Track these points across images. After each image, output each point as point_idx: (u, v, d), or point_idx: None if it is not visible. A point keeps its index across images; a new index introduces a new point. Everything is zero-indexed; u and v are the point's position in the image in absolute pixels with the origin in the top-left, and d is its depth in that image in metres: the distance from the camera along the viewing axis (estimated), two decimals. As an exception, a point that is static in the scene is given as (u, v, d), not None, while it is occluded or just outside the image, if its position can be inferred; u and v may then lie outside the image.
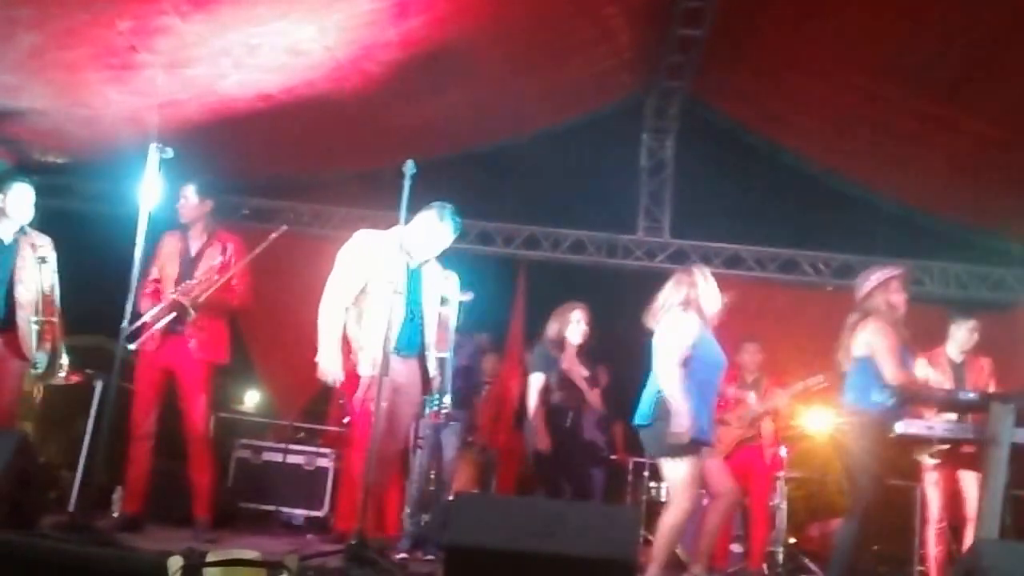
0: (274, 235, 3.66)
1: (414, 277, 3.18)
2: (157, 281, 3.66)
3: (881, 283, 3.39)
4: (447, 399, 3.45)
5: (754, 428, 4.54)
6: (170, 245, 3.71)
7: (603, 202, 6.67)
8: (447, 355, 3.50)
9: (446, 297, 3.55)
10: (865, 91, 5.43)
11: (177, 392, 3.64)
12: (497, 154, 6.61)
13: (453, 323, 3.65)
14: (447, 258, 3.48)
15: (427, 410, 3.41)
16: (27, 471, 2.85)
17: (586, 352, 4.15)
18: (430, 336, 3.25)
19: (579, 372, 4.10)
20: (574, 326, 4.09)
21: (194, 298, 3.55)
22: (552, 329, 4.12)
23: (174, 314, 3.55)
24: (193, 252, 3.69)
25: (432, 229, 3.19)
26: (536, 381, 4.05)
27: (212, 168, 5.11)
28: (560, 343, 4.09)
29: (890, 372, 3.17)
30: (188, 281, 3.59)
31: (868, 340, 3.28)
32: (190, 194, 3.74)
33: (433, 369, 3.27)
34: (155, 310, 3.55)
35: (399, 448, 3.32)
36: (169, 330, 3.56)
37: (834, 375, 5.18)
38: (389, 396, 3.00)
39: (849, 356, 3.36)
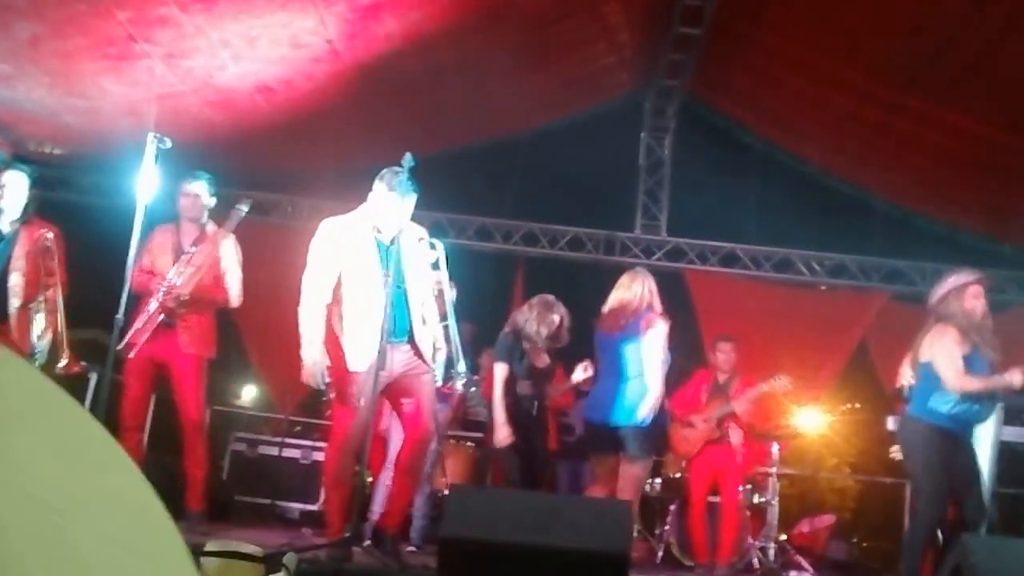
0: (239, 213, 3.55)
1: (390, 254, 2.98)
2: (150, 272, 3.62)
3: (956, 288, 3.29)
4: (462, 366, 3.25)
5: (721, 429, 4.55)
6: (162, 237, 3.67)
7: (601, 199, 6.70)
8: (449, 323, 3.28)
9: (437, 263, 3.32)
10: (861, 91, 5.45)
11: (169, 386, 3.64)
12: (496, 150, 6.62)
13: (449, 290, 3.39)
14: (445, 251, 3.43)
15: (440, 382, 3.23)
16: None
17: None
18: (418, 313, 3.05)
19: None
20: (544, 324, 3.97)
21: (178, 297, 3.53)
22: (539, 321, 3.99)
23: (162, 315, 3.53)
24: (186, 246, 3.65)
25: (385, 199, 3.00)
26: (500, 371, 3.91)
27: (209, 160, 5.10)
28: (525, 335, 3.97)
29: (949, 377, 3.12)
30: (170, 280, 3.55)
31: (931, 344, 3.22)
32: (202, 192, 3.68)
33: (429, 347, 3.09)
34: (145, 313, 3.53)
35: (428, 439, 3.11)
36: (159, 324, 3.55)
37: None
38: (385, 390, 2.98)
39: (916, 362, 3.30)
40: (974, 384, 3.11)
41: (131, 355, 3.54)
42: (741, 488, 4.74)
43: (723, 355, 4.68)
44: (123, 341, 3.55)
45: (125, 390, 3.60)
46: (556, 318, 3.94)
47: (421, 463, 3.20)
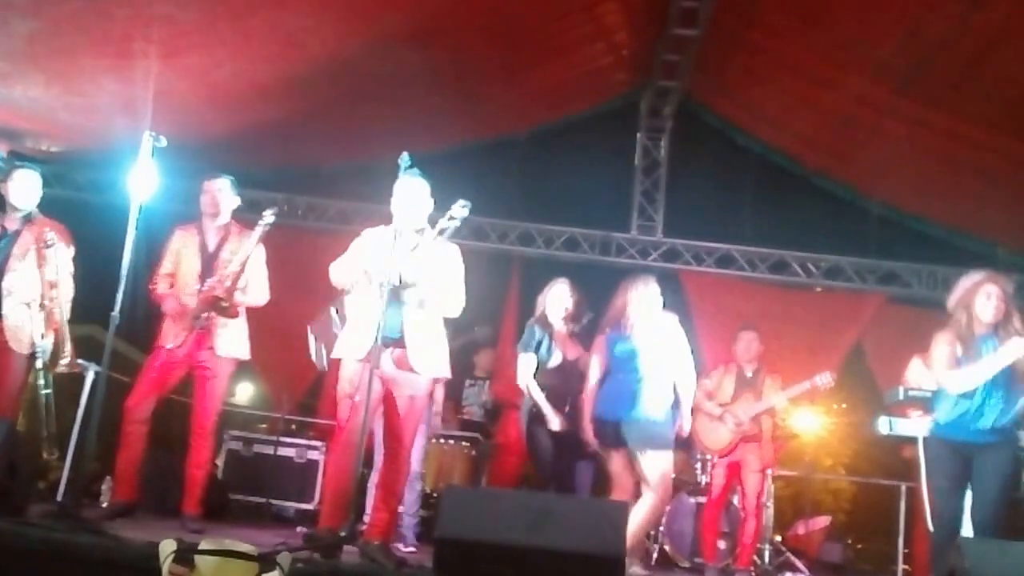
0: (266, 220, 3.52)
1: (400, 255, 3.03)
2: (171, 276, 3.58)
3: (963, 293, 3.14)
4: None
5: (755, 425, 4.39)
6: (185, 238, 3.62)
7: (597, 200, 6.70)
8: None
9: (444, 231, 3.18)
10: (857, 94, 5.47)
11: (192, 385, 3.58)
12: (492, 150, 6.63)
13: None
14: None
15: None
16: (15, 460, 2.85)
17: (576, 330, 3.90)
18: (412, 317, 3.06)
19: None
20: (555, 303, 3.89)
21: (228, 291, 3.49)
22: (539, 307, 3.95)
23: (205, 313, 3.48)
24: (212, 246, 3.60)
25: (394, 195, 3.08)
26: (525, 362, 3.85)
27: (205, 158, 5.10)
28: (543, 320, 3.89)
29: (935, 372, 3.08)
30: (210, 279, 3.51)
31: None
32: (224, 188, 3.65)
33: (425, 354, 3.08)
34: (185, 320, 3.48)
35: (405, 458, 3.15)
36: (196, 325, 3.50)
37: (840, 374, 5.16)
38: (378, 390, 2.99)
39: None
40: (955, 376, 2.99)
41: (167, 350, 3.49)
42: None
43: (743, 344, 4.49)
44: (154, 344, 3.54)
45: (139, 380, 3.53)
46: (567, 294, 3.90)
47: (401, 478, 3.23)
